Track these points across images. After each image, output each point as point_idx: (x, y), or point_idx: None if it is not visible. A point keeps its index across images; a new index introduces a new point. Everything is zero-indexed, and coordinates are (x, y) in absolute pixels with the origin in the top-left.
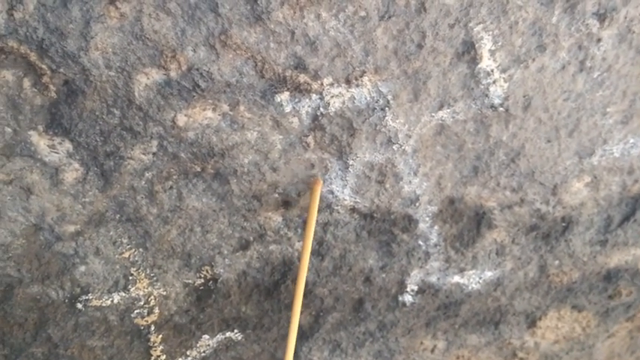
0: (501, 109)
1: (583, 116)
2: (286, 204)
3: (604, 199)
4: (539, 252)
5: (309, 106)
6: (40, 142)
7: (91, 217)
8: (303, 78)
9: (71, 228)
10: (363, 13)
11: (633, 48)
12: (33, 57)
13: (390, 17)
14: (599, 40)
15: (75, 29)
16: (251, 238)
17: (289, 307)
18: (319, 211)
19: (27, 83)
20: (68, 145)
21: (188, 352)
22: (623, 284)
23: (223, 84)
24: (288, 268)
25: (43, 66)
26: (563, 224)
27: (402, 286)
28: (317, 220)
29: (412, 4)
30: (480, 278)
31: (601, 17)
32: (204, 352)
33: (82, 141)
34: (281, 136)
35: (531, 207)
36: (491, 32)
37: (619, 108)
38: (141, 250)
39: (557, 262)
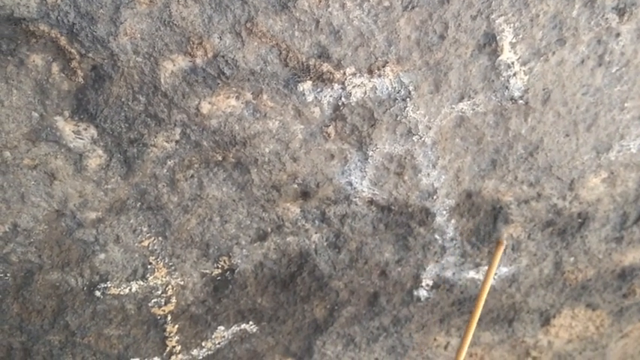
0: (521, 101)
1: (601, 111)
2: (305, 195)
3: (620, 196)
4: (554, 248)
5: (330, 96)
6: (66, 127)
7: (112, 205)
8: (326, 67)
9: (92, 215)
10: (387, 3)
11: None
12: (63, 41)
13: (413, 8)
14: (618, 34)
15: (105, 14)
16: (269, 229)
17: (304, 299)
18: (337, 202)
19: (55, 68)
20: (93, 132)
21: (203, 343)
22: (638, 283)
23: (247, 72)
24: (304, 260)
25: (73, 50)
26: (579, 220)
27: (417, 281)
28: (335, 213)
29: None
30: (495, 274)
31: (620, 12)
32: (219, 343)
33: (106, 127)
34: (302, 126)
35: (548, 202)
36: (512, 25)
37: (637, 103)
38: (160, 238)
39: (572, 258)
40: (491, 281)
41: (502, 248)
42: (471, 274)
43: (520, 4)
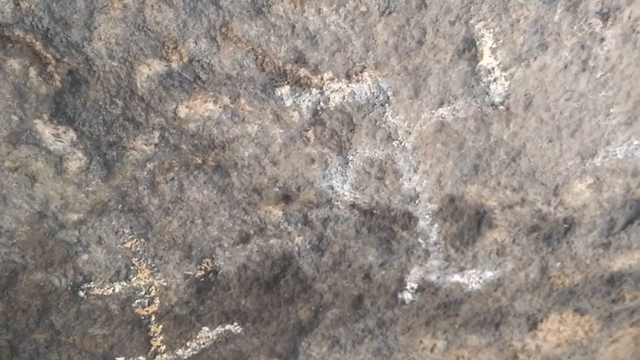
0: (502, 107)
1: (585, 116)
2: (286, 198)
3: (607, 201)
4: (540, 253)
5: (309, 101)
6: (45, 130)
7: (93, 207)
8: (303, 72)
9: (74, 216)
10: (363, 9)
11: (638, 48)
12: (38, 46)
13: (390, 13)
14: (602, 39)
15: (79, 19)
16: (251, 232)
17: (289, 301)
18: (319, 206)
19: (33, 72)
20: (72, 135)
21: (188, 344)
22: (627, 288)
23: (224, 76)
24: (288, 263)
25: (48, 55)
26: (565, 225)
27: (401, 284)
28: (317, 216)
29: (412, 0)
30: (480, 278)
31: (604, 16)
32: (203, 343)
33: (85, 130)
34: (281, 130)
35: (532, 207)
36: (492, 30)
37: (623, 109)
38: (142, 240)
39: (558, 263)
40: None
41: None
42: (456, 277)
43: (500, 9)
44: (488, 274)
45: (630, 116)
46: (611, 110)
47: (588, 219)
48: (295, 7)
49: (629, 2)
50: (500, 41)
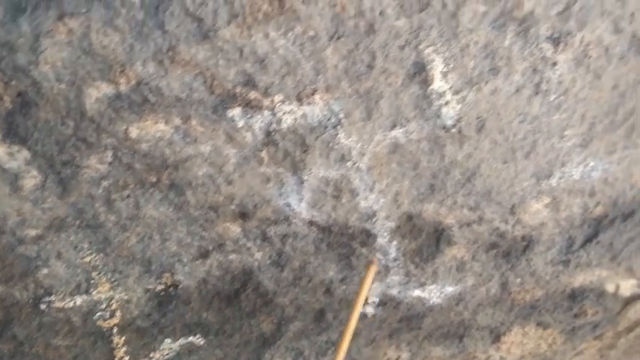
0: (454, 130)
1: (539, 139)
2: (244, 215)
3: (565, 220)
4: (500, 269)
5: (261, 122)
6: None
7: (51, 222)
8: (253, 95)
9: (32, 232)
10: (312, 33)
11: (591, 72)
12: None
13: (339, 38)
14: (554, 64)
15: (25, 43)
16: (210, 247)
17: (250, 314)
18: (277, 223)
19: None
20: (26, 154)
21: (151, 355)
22: (589, 304)
23: (173, 99)
24: (248, 277)
25: None
26: (524, 243)
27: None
28: (275, 232)
29: (361, 25)
30: (441, 293)
31: (555, 41)
32: (167, 354)
33: (38, 150)
34: (235, 150)
35: (490, 225)
36: (442, 54)
37: (577, 131)
38: (101, 255)
39: (518, 279)
40: (362, 304)
41: (374, 269)
42: (417, 292)
43: (449, 34)
44: (449, 289)
45: (585, 138)
46: (566, 132)
47: (547, 237)
48: (242, 32)
49: (580, 27)
50: (451, 65)
